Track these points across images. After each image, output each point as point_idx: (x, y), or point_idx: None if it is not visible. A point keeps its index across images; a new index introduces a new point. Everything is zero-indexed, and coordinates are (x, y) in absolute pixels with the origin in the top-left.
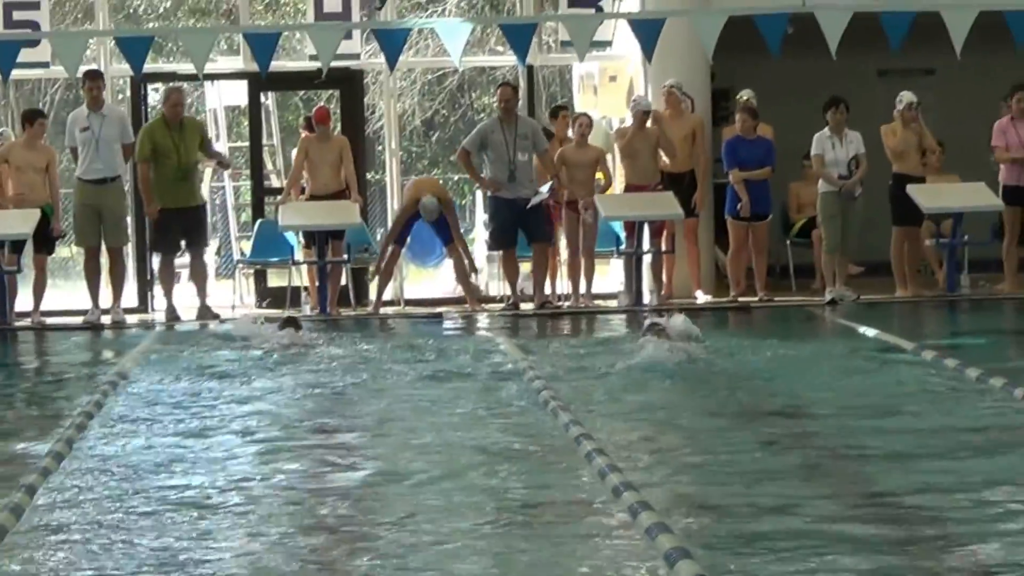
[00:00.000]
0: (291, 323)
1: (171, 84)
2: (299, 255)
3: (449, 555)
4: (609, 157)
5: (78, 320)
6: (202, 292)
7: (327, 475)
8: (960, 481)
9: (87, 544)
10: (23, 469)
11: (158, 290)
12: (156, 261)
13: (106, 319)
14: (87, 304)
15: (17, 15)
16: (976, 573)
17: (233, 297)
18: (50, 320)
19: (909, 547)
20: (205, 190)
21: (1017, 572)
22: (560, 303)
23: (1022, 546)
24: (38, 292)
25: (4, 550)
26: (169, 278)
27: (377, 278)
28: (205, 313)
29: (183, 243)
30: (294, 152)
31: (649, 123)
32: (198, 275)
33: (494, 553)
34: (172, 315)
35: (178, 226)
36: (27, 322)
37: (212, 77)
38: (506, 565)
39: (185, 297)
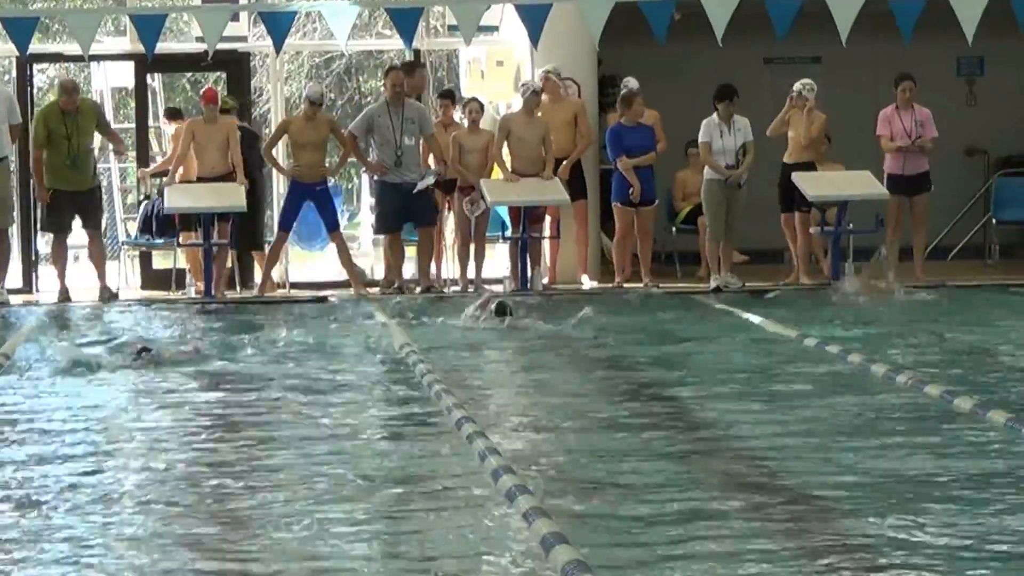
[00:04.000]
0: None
1: (65, 77)
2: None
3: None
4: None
5: None
6: (101, 272)
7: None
8: (831, 461)
9: None
10: None
11: (44, 271)
12: (48, 242)
13: None
14: None
15: None
16: (841, 540)
17: (118, 279)
18: None
19: (781, 519)
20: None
21: (875, 530)
22: (446, 287)
23: (888, 515)
24: None
25: None
26: (62, 258)
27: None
28: (104, 293)
29: (75, 224)
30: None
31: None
32: (96, 256)
33: (375, 530)
34: (64, 295)
35: (71, 208)
36: None
37: (98, 58)
38: (390, 543)
39: (77, 278)
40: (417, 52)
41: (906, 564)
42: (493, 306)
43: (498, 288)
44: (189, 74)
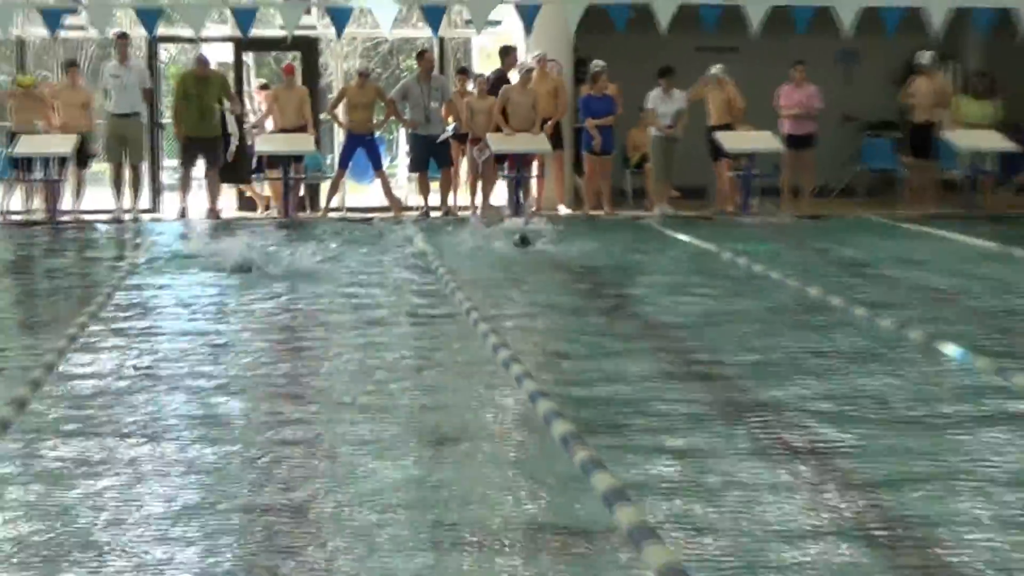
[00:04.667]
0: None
1: (199, 53)
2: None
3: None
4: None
5: (106, 217)
6: (214, 199)
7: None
8: (740, 343)
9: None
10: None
11: (168, 196)
12: (176, 174)
13: (127, 216)
14: (113, 205)
15: None
16: (750, 399)
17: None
18: (85, 217)
19: (698, 380)
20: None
21: (774, 392)
22: (459, 211)
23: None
24: (77, 196)
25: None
26: (187, 186)
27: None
28: (211, 214)
29: (201, 162)
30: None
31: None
32: (212, 187)
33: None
34: (183, 214)
35: (199, 150)
36: (69, 218)
37: (206, 40)
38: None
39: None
40: (442, 39)
41: (801, 415)
42: (518, 237)
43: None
44: (273, 53)
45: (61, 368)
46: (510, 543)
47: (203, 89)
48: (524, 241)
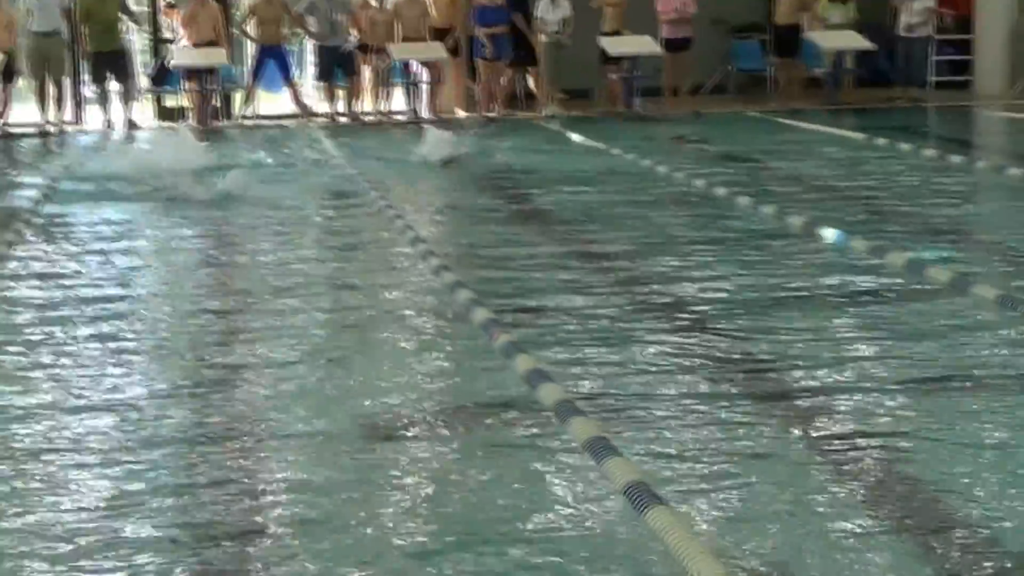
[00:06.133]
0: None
1: None
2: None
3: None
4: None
5: (33, 129)
6: (128, 110)
7: None
8: (625, 223)
9: None
10: None
11: (89, 109)
12: (93, 89)
13: (51, 128)
14: (39, 119)
15: None
16: (633, 272)
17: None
18: (13, 130)
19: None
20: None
21: (658, 268)
22: (363, 116)
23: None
24: (3, 110)
25: None
26: (103, 100)
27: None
28: (131, 124)
29: (111, 75)
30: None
31: None
32: (126, 98)
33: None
34: (106, 126)
35: (105, 65)
36: None
37: None
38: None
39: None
40: None
41: (696, 295)
42: (441, 159)
43: (399, 117)
44: None
45: None
46: (441, 424)
47: (102, 6)
48: (447, 162)
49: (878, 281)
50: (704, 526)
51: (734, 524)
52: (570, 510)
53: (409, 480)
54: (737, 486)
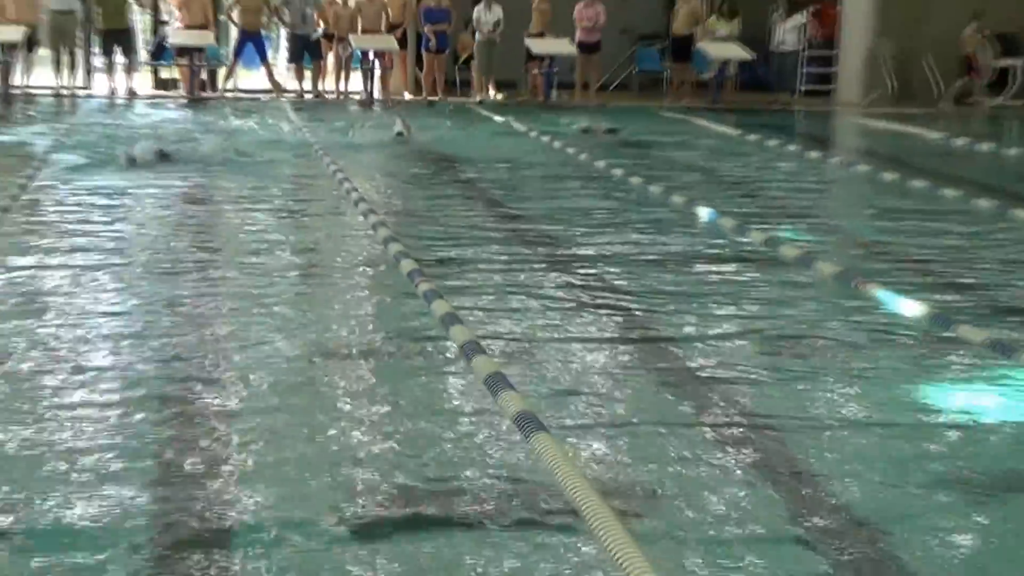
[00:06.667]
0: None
1: None
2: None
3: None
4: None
5: (49, 92)
6: (130, 79)
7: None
8: (550, 197)
9: None
10: None
11: (98, 77)
12: (102, 60)
13: (64, 92)
14: (54, 83)
15: None
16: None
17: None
18: (33, 92)
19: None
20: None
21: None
22: (326, 94)
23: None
24: (27, 74)
25: None
26: (110, 70)
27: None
28: (131, 92)
29: (118, 49)
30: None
31: None
32: (129, 69)
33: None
34: (111, 92)
35: (113, 40)
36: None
37: None
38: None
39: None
40: None
41: (593, 258)
42: (396, 132)
43: (356, 96)
44: None
45: None
46: (373, 351)
47: None
48: (401, 134)
49: (739, 252)
50: (573, 439)
51: (591, 433)
52: (466, 428)
53: (343, 386)
54: (608, 413)
